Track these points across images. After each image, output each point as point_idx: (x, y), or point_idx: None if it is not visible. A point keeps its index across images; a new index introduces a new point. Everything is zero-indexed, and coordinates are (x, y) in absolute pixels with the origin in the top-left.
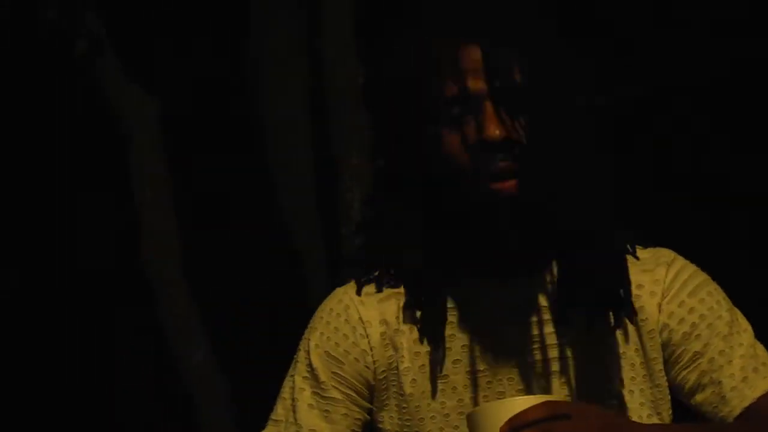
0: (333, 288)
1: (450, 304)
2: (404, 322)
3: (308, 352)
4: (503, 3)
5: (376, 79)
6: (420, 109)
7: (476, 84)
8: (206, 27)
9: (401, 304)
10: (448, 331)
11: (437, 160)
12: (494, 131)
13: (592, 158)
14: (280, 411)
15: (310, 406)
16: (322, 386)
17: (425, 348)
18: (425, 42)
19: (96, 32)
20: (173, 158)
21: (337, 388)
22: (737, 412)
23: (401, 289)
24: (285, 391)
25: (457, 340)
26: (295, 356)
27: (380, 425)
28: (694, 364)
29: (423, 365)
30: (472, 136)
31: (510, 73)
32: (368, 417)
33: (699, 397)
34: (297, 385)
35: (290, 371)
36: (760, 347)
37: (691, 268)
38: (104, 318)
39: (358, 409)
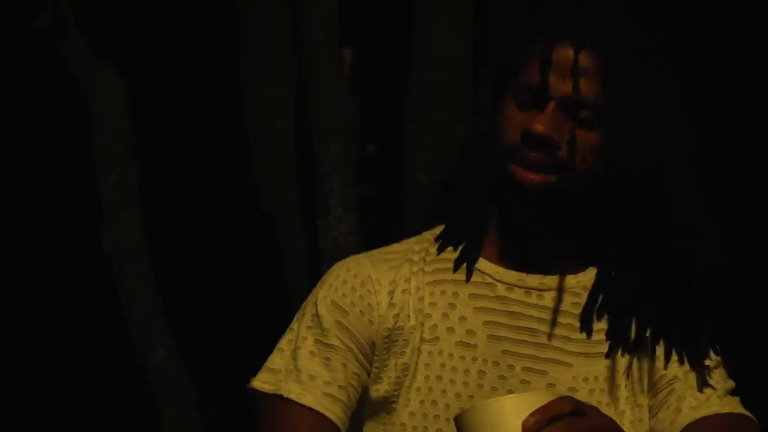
0: (313, 283)
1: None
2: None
3: (315, 303)
4: (613, 15)
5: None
6: (501, 80)
7: (555, 82)
8: (183, 6)
9: (413, 269)
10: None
11: (496, 128)
12: (538, 126)
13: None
14: (277, 360)
15: (312, 353)
16: (325, 333)
17: (433, 311)
18: (526, 28)
19: (60, 7)
20: (141, 143)
21: (339, 338)
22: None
23: (416, 255)
24: (283, 343)
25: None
26: (300, 309)
27: (377, 388)
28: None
29: (433, 326)
30: (523, 121)
31: (587, 86)
32: (366, 378)
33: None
34: (300, 334)
35: (292, 325)
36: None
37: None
38: (62, 311)
39: (357, 365)
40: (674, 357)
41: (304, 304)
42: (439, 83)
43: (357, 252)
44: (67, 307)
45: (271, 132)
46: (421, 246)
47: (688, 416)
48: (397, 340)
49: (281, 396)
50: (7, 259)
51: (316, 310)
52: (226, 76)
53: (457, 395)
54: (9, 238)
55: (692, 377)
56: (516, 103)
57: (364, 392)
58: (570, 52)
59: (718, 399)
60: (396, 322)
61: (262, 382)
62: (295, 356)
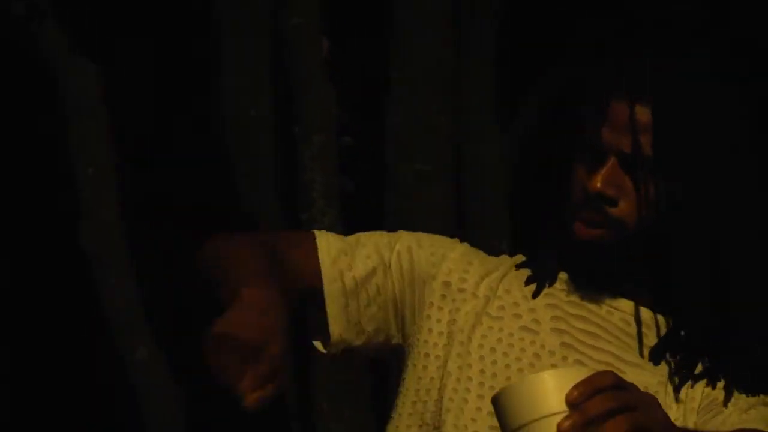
0: None
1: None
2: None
3: (409, 231)
4: (667, 66)
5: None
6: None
7: (611, 138)
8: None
9: (505, 267)
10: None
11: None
12: (595, 185)
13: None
14: (336, 237)
15: (363, 244)
16: (389, 244)
17: (505, 295)
18: (588, 88)
19: None
20: (119, 137)
21: (399, 255)
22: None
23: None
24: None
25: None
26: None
27: (429, 330)
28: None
29: (501, 307)
30: (584, 179)
31: (644, 141)
32: (390, 301)
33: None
34: (374, 232)
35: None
36: None
37: None
38: (40, 308)
39: (390, 283)
40: (733, 398)
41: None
42: (421, 75)
43: None
44: (45, 304)
45: (246, 120)
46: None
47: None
48: (455, 299)
49: (314, 236)
50: None
51: (399, 233)
52: (203, 64)
53: (507, 366)
54: None
55: (739, 404)
56: (580, 162)
57: (413, 335)
58: (624, 107)
59: None
60: (462, 283)
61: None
62: (355, 236)
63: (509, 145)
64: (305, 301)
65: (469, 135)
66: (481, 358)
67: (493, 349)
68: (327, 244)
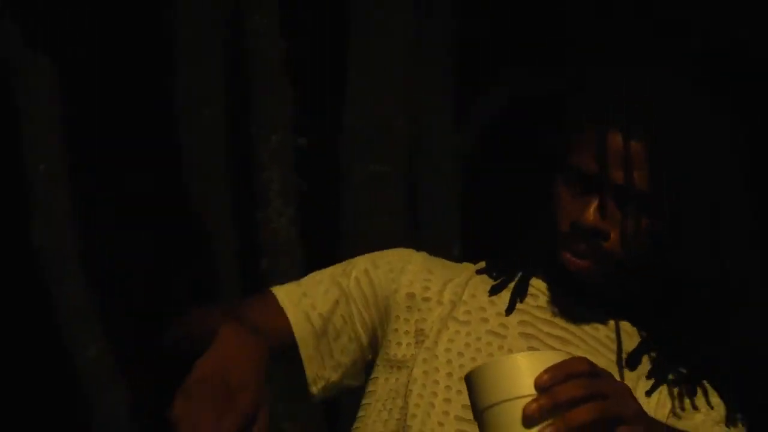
0: (247, 279)
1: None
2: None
3: (359, 256)
4: (664, 100)
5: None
6: (548, 158)
7: (606, 169)
8: None
9: (462, 274)
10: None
11: (549, 205)
12: (588, 218)
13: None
14: (292, 284)
15: (319, 281)
16: (345, 274)
17: (471, 300)
18: (579, 114)
19: None
20: (71, 134)
21: (357, 281)
22: None
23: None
24: (316, 271)
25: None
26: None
27: (397, 344)
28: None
29: (467, 311)
30: (574, 210)
31: (637, 175)
32: (362, 327)
33: None
34: (327, 269)
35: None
36: None
37: None
38: None
39: (356, 310)
40: (702, 406)
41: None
42: (377, 76)
43: (298, 245)
44: None
45: (198, 119)
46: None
47: None
48: (420, 308)
49: (270, 290)
50: None
51: (354, 259)
52: (158, 64)
53: (461, 366)
54: None
55: (712, 414)
56: (565, 186)
57: (381, 349)
58: (620, 140)
59: None
60: (425, 292)
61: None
62: (309, 276)
63: (465, 143)
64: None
65: (424, 136)
66: (449, 361)
67: (460, 353)
68: (286, 293)
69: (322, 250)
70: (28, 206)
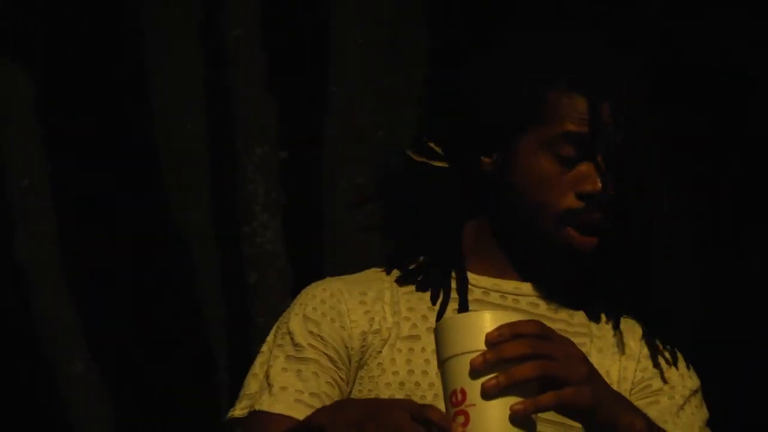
0: (234, 289)
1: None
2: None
3: (287, 322)
4: (629, 69)
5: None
6: (531, 119)
7: (601, 135)
8: (93, 4)
9: (385, 285)
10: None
11: (521, 179)
12: (598, 185)
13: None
14: (252, 385)
15: (284, 369)
16: (297, 348)
17: (411, 314)
18: (562, 81)
19: None
20: (51, 146)
21: (311, 348)
22: None
23: (386, 276)
24: (256, 367)
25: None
26: (271, 332)
27: (359, 383)
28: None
29: (413, 326)
30: (572, 180)
31: (632, 136)
32: (345, 381)
33: None
34: (272, 353)
35: (263, 348)
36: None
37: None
38: None
39: (332, 371)
40: (662, 368)
41: (275, 326)
42: (359, 87)
43: (284, 259)
44: None
45: (179, 133)
46: (388, 270)
47: None
48: (374, 343)
49: (254, 410)
50: None
51: (287, 328)
52: (139, 77)
53: (431, 384)
54: None
55: (675, 398)
56: (554, 158)
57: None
58: (608, 106)
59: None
60: (372, 325)
61: (240, 409)
62: (267, 375)
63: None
64: None
65: (405, 148)
66: (417, 384)
67: (425, 372)
68: (268, 404)
69: (308, 263)
70: (11, 221)
